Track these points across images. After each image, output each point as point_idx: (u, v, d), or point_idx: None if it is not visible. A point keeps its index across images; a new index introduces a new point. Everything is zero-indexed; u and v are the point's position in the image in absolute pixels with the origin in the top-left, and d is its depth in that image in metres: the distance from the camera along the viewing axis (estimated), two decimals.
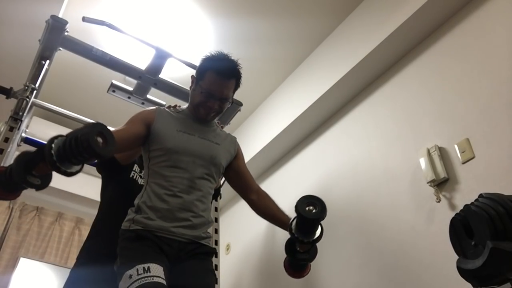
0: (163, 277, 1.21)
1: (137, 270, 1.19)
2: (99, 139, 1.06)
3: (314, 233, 1.36)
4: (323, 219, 1.32)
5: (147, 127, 1.46)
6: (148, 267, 1.20)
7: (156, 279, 1.18)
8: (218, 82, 1.48)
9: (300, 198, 1.34)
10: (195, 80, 1.53)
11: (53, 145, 1.06)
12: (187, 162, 1.44)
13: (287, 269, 1.51)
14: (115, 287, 1.25)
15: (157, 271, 1.21)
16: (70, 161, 1.08)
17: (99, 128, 1.08)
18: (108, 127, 1.13)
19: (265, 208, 1.59)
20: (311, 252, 1.44)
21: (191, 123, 1.54)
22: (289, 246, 1.44)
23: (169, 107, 1.67)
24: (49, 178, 1.19)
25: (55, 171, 1.09)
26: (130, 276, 1.18)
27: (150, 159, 1.46)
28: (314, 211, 1.31)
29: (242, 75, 1.54)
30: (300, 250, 1.42)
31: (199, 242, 1.40)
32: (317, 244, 1.41)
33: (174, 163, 1.43)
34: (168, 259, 1.30)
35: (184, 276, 1.31)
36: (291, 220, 1.41)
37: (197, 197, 1.43)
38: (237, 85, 1.55)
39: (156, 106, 1.59)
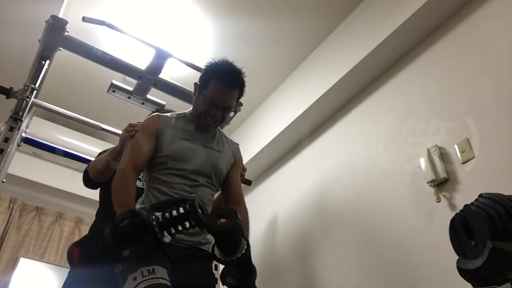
0: (168, 278, 1.21)
1: (142, 272, 1.18)
2: (199, 210, 1.14)
3: (236, 251, 1.19)
4: (234, 229, 1.17)
5: (156, 138, 1.46)
6: (153, 269, 1.20)
7: (161, 281, 1.18)
8: (222, 92, 1.47)
9: (210, 213, 1.27)
10: (198, 88, 1.52)
11: (154, 221, 1.10)
12: (189, 170, 1.44)
13: None
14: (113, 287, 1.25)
15: (161, 273, 1.21)
16: (169, 232, 1.14)
17: (199, 200, 1.16)
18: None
19: None
20: (245, 277, 1.23)
21: (194, 131, 1.53)
22: (222, 272, 1.25)
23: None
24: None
25: (150, 241, 1.12)
26: (135, 278, 1.18)
27: (151, 165, 1.46)
28: (226, 222, 1.17)
29: (246, 84, 1.52)
30: (232, 275, 1.23)
31: (199, 247, 1.41)
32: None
33: (176, 171, 1.43)
34: (170, 261, 1.30)
35: (185, 277, 1.31)
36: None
37: None
38: (240, 94, 1.54)
39: (157, 113, 1.57)
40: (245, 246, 1.20)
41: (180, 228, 1.13)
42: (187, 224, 1.14)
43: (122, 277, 1.23)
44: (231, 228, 1.16)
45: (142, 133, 1.48)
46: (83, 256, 1.10)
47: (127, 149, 1.45)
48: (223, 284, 1.27)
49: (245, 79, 1.51)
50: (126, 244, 1.09)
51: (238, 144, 1.67)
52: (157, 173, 1.44)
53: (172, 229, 1.13)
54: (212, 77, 1.47)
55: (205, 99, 1.48)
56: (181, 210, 1.12)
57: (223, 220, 1.16)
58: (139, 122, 1.62)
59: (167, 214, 1.12)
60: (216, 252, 1.20)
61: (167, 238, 1.13)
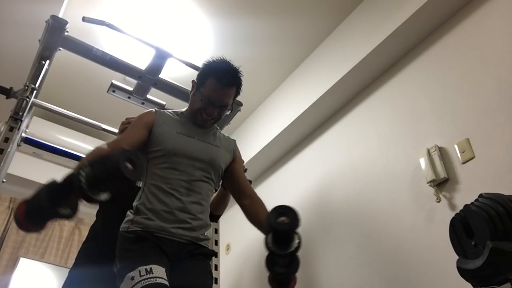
0: (166, 278, 1.21)
1: (139, 271, 1.18)
2: (129, 165, 1.08)
3: (291, 245, 1.26)
4: (295, 229, 1.23)
5: (149, 131, 1.46)
6: (151, 269, 1.19)
7: (159, 280, 1.18)
8: (219, 90, 1.48)
9: (272, 210, 1.27)
10: (195, 85, 1.53)
11: (81, 177, 1.06)
12: (186, 164, 1.44)
13: (272, 284, 1.40)
14: (113, 287, 1.25)
15: (159, 272, 1.20)
16: (99, 189, 1.09)
17: (127, 154, 1.10)
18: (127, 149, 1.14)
19: (255, 214, 1.51)
20: (291, 266, 1.32)
21: (191, 126, 1.54)
22: (268, 260, 1.34)
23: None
24: (77, 206, 1.15)
25: (85, 199, 1.09)
26: (132, 278, 1.18)
27: (148, 160, 1.46)
28: (286, 221, 1.22)
29: (242, 82, 1.54)
30: (280, 264, 1.32)
31: (198, 243, 1.40)
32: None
33: (173, 165, 1.42)
34: (169, 259, 1.30)
35: (183, 276, 1.31)
36: (266, 234, 1.31)
37: (195, 200, 1.43)
38: (237, 93, 1.55)
39: (155, 108, 1.59)
40: (298, 241, 1.26)
41: (110, 185, 1.08)
42: (115, 181, 1.07)
43: (120, 276, 1.22)
44: (294, 227, 1.21)
45: (135, 123, 1.50)
46: (25, 212, 1.11)
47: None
48: (270, 272, 1.34)
49: (242, 78, 1.53)
50: (59, 201, 1.08)
51: (235, 140, 1.67)
52: (154, 168, 1.44)
53: (102, 186, 1.07)
54: (210, 76, 1.48)
55: (202, 96, 1.49)
56: (107, 166, 1.06)
57: (283, 218, 1.20)
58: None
59: (94, 171, 1.07)
60: (271, 245, 1.25)
61: (102, 196, 1.09)
